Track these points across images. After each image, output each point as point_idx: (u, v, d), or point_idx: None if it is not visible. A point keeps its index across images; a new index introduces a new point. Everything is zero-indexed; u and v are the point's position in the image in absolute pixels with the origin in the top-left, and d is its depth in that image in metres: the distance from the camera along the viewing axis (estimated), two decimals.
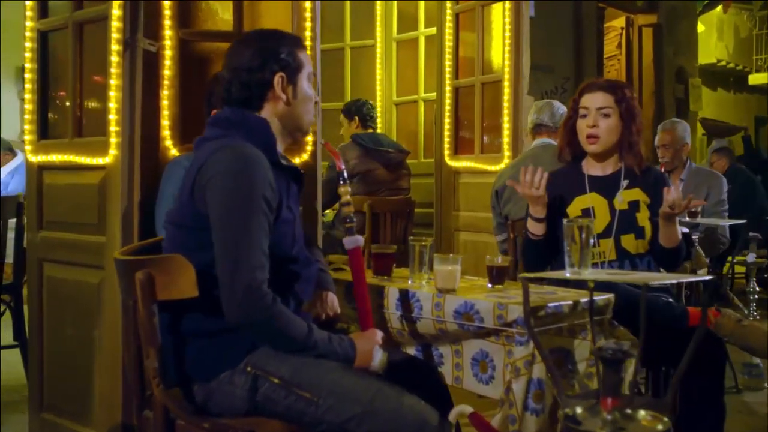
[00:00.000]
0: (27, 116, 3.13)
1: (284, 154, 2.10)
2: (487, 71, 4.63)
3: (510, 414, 2.05)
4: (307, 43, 3.25)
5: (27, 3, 3.12)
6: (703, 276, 2.56)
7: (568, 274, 2.07)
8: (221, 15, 3.23)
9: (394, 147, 5.09)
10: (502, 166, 4.38)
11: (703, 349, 2.52)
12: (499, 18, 4.53)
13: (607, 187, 2.79)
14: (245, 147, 1.90)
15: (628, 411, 1.60)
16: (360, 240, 2.30)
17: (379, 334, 2.06)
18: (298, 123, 2.07)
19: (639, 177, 2.80)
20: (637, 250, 2.75)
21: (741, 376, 4.13)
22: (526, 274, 2.06)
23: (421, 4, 5.77)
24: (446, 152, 4.83)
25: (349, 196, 2.30)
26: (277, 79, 2.00)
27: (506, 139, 4.43)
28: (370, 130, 5.10)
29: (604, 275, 2.14)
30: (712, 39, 12.49)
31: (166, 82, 3.00)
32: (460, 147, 4.82)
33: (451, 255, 2.31)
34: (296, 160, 3.26)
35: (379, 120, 5.76)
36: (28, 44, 3.12)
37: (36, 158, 3.12)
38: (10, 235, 3.74)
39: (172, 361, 1.92)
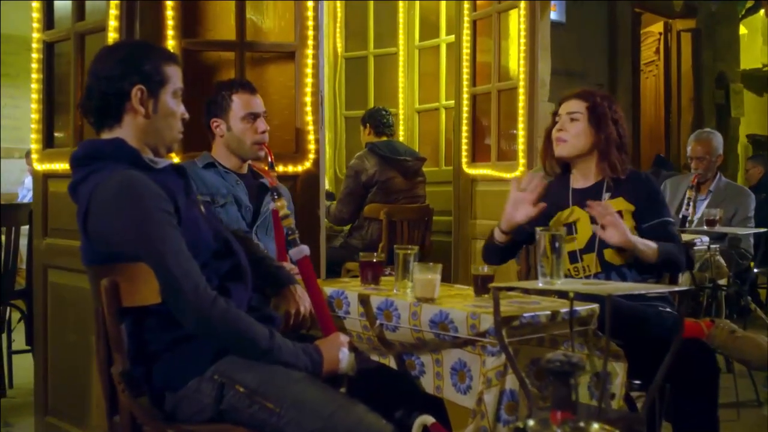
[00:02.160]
0: (33, 125, 3.20)
1: (156, 158, 2.04)
2: (504, 78, 4.60)
3: (482, 425, 2.01)
4: (309, 51, 3.27)
5: (33, 15, 3.19)
6: (682, 286, 2.50)
7: (540, 284, 2.05)
8: (225, 23, 3.26)
9: (411, 155, 5.07)
10: (517, 173, 4.34)
11: (695, 361, 2.47)
12: (516, 24, 4.50)
13: (588, 200, 2.74)
14: (115, 176, 1.89)
15: (581, 424, 1.56)
16: (306, 250, 2.30)
17: (343, 337, 2.06)
18: (159, 137, 2.03)
19: (622, 185, 2.74)
20: (622, 261, 2.68)
21: (763, 389, 4.02)
22: (498, 284, 2.03)
23: (443, 12, 5.76)
24: (464, 160, 4.81)
25: (286, 209, 2.31)
26: (135, 91, 1.96)
27: (521, 146, 4.40)
28: (384, 138, 5.08)
29: (578, 285, 2.10)
30: (757, 43, 12.19)
31: None
32: (477, 155, 4.80)
33: (431, 264, 2.28)
34: (299, 168, 3.27)
35: (401, 128, 5.75)
36: (34, 55, 3.19)
37: (41, 167, 3.19)
38: (23, 242, 3.82)
39: (142, 371, 1.94)
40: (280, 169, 3.21)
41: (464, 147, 4.81)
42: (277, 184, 2.46)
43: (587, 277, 2.71)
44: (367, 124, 5.16)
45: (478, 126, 4.79)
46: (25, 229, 3.81)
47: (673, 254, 2.61)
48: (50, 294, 3.18)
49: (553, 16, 7.54)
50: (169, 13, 3.02)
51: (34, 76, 3.20)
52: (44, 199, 3.19)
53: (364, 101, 6.20)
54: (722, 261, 4.28)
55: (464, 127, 4.80)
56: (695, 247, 4.16)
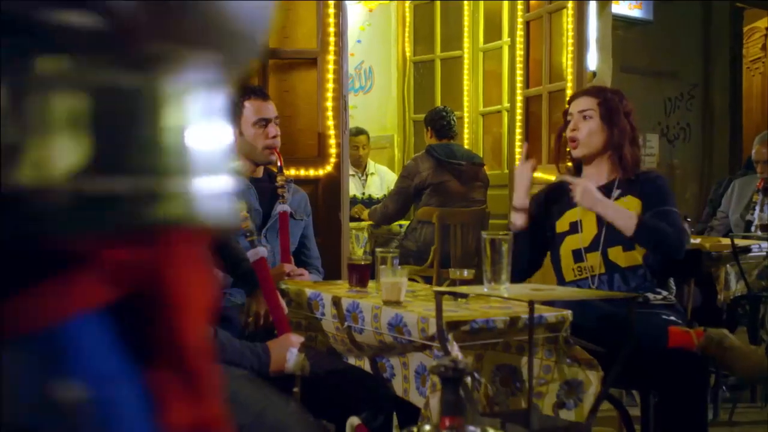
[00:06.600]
0: None
1: None
2: (556, 79, 4.51)
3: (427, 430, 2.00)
4: (331, 57, 3.33)
5: None
6: (629, 294, 2.40)
7: (485, 290, 2.02)
8: None
9: (468, 159, 5.02)
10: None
11: (684, 371, 2.37)
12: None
13: None
14: None
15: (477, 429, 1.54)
16: (262, 252, 2.33)
17: (294, 338, 2.10)
18: None
19: (632, 184, 2.67)
20: (627, 263, 2.61)
21: None
22: (438, 288, 2.02)
23: (505, 14, 5.69)
24: (517, 163, 4.74)
25: (245, 212, 2.35)
26: None
27: (568, 148, 4.30)
28: (445, 140, 5.06)
29: (525, 291, 2.05)
30: None
31: None
32: (530, 158, 4.71)
33: (399, 267, 2.29)
34: (320, 172, 3.34)
35: (466, 131, 5.71)
36: None
37: None
38: None
39: None
40: (302, 173, 3.28)
41: (518, 150, 4.74)
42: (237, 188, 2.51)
43: (591, 277, 2.66)
44: (429, 127, 5.16)
45: (531, 128, 4.71)
46: None
47: (661, 230, 2.52)
48: None
49: (638, 13, 7.30)
50: None
51: None
52: None
53: (431, 104, 6.20)
54: None
55: (518, 130, 4.74)
56: (751, 254, 3.96)
